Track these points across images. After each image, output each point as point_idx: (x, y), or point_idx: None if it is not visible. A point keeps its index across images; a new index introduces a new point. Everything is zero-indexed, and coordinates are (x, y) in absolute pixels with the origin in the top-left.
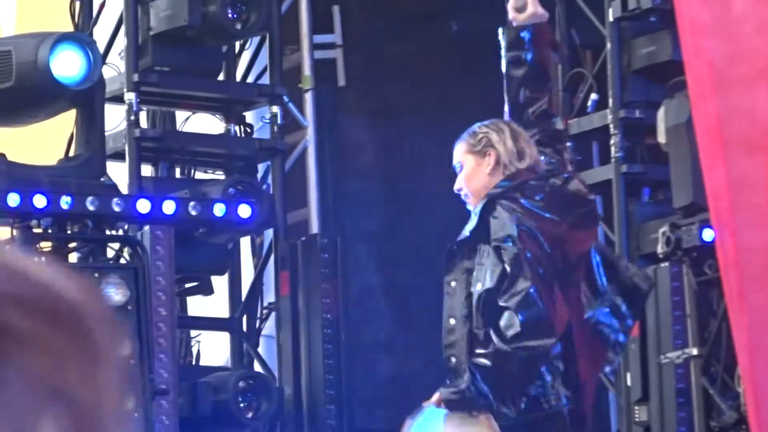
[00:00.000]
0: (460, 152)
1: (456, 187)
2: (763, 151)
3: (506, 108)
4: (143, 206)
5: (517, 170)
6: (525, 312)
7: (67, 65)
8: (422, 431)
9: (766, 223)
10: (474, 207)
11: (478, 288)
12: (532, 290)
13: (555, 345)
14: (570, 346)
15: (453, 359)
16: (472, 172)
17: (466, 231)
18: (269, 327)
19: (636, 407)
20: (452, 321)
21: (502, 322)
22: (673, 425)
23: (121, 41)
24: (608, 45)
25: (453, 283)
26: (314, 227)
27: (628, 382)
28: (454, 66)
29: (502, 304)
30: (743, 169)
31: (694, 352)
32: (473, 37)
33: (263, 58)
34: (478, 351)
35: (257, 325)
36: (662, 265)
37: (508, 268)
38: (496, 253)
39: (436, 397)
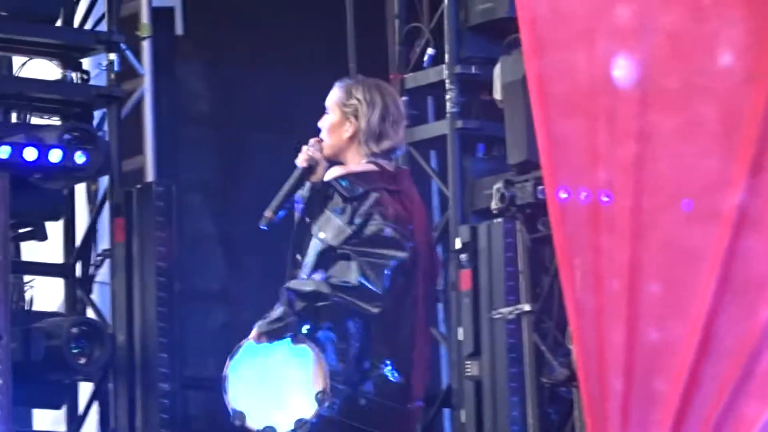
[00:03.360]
0: (332, 98)
1: (320, 124)
2: (584, 112)
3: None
4: None
5: (371, 152)
6: None
7: None
8: (242, 368)
9: (584, 183)
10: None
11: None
12: None
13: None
14: None
15: None
16: (334, 126)
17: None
18: (103, 274)
19: (467, 362)
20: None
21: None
22: (504, 380)
23: None
24: (445, 1)
25: None
26: (150, 175)
27: (460, 337)
28: (296, 16)
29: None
30: (564, 129)
31: (526, 308)
32: None
33: (101, 5)
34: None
35: (91, 271)
36: (496, 221)
37: None
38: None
39: (254, 333)
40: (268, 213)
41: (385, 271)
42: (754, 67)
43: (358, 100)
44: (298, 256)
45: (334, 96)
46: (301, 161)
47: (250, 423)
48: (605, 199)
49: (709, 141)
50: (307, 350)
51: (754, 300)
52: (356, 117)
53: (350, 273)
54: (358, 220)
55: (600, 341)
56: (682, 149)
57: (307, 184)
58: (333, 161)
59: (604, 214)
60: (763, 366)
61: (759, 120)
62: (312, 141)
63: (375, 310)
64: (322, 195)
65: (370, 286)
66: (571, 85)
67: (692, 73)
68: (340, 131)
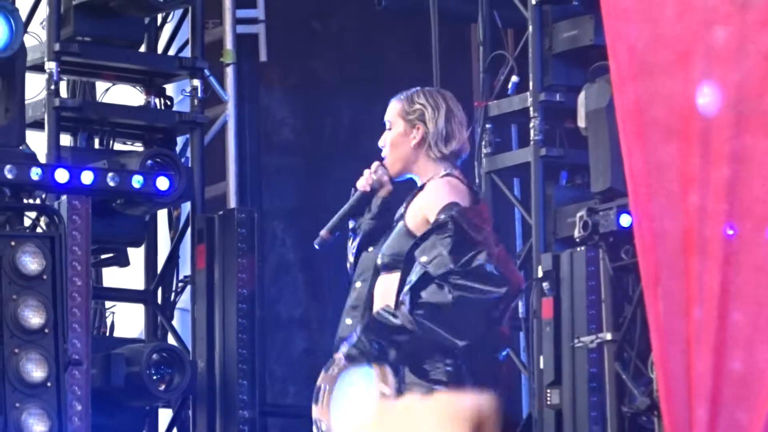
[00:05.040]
0: (393, 112)
1: (381, 143)
2: (680, 136)
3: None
4: (61, 176)
5: (441, 154)
6: None
7: None
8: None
9: (680, 210)
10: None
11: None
12: None
13: None
14: None
15: None
16: (399, 139)
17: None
18: (184, 300)
19: (548, 390)
20: None
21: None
22: (585, 409)
23: (43, 10)
24: (530, 28)
25: None
26: (232, 202)
27: (541, 365)
28: (379, 42)
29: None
30: (661, 154)
31: (608, 337)
32: (400, 12)
33: (185, 31)
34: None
35: (172, 297)
36: (579, 249)
37: None
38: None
39: (340, 352)
40: (324, 233)
41: (480, 306)
42: None
43: (422, 105)
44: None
45: (395, 108)
46: (363, 185)
47: None
48: (698, 224)
49: None
50: (369, 370)
51: None
52: (423, 121)
53: (443, 300)
54: (463, 258)
55: (687, 369)
56: None
57: (375, 202)
58: (400, 179)
59: (696, 239)
60: None
61: None
62: (375, 165)
63: (461, 344)
64: (391, 214)
65: (460, 318)
66: (669, 109)
67: None
68: (406, 141)
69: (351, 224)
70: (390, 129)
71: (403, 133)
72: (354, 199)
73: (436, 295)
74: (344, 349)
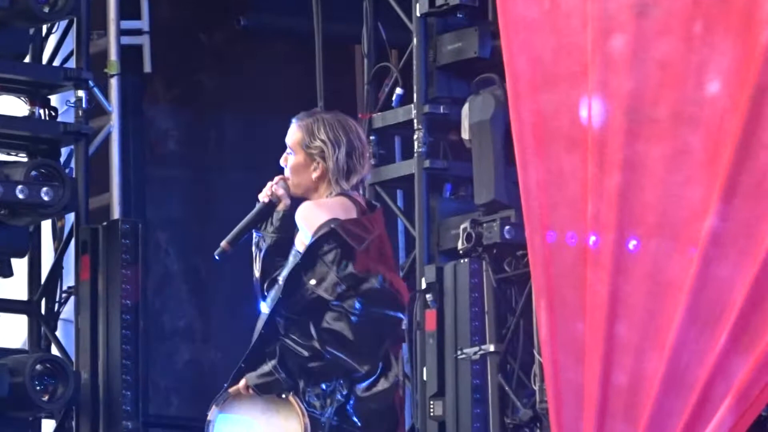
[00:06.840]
0: (293, 139)
1: (282, 162)
2: (582, 146)
3: None
4: None
5: (341, 189)
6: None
7: None
8: (227, 417)
9: (581, 221)
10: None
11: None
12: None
13: None
14: None
15: None
16: (299, 167)
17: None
18: (68, 311)
19: (431, 402)
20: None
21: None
22: (468, 421)
23: None
24: (414, 40)
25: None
26: (116, 213)
27: (424, 377)
28: (265, 55)
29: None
30: (563, 164)
31: (491, 348)
32: (260, 32)
33: (70, 42)
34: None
35: (56, 308)
36: (462, 261)
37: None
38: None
39: (242, 383)
40: (224, 245)
41: (381, 329)
42: (736, 94)
43: (322, 141)
44: (280, 280)
45: (295, 136)
46: (263, 196)
47: None
48: (593, 238)
49: (694, 169)
50: (290, 403)
51: (715, 329)
52: (323, 158)
53: (345, 328)
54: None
55: (580, 380)
56: (668, 178)
57: (276, 216)
58: (300, 198)
59: (591, 248)
60: (717, 395)
61: (735, 146)
62: (277, 178)
63: (363, 371)
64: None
65: (362, 345)
66: (572, 119)
67: (681, 102)
68: (307, 171)
69: (255, 236)
70: (290, 154)
71: (303, 164)
72: (255, 211)
73: (337, 322)
74: (245, 381)
